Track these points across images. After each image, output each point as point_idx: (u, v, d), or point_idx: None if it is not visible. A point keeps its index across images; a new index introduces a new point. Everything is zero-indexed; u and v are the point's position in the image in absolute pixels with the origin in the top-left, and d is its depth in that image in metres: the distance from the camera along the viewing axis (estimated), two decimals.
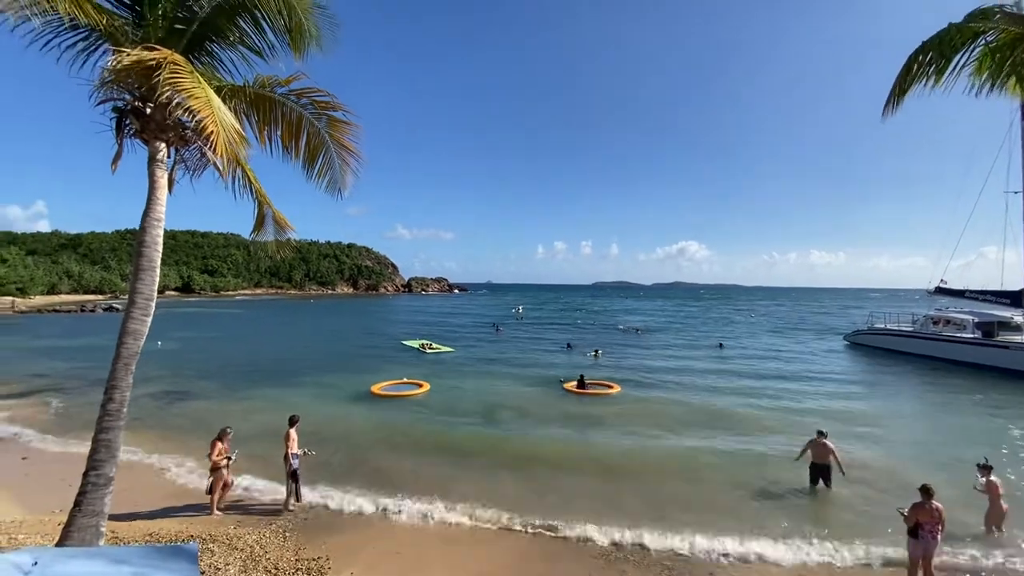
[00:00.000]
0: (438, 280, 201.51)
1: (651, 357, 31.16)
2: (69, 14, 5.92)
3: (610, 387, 21.28)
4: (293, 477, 9.69)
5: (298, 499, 9.77)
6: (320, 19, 7.41)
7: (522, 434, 14.85)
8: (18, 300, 76.32)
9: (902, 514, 7.42)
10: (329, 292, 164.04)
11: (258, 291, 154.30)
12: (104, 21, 6.34)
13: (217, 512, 9.40)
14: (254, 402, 18.75)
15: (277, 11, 7.03)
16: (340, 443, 13.61)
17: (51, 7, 5.76)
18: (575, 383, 21.19)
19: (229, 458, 9.54)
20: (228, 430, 9.95)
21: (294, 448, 9.71)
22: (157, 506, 9.58)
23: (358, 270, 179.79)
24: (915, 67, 7.01)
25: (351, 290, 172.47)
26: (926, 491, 7.29)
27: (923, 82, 7.04)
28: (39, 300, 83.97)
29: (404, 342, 37.74)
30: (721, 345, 37.24)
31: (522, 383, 22.82)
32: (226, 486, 9.74)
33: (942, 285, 32.92)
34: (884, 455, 13.15)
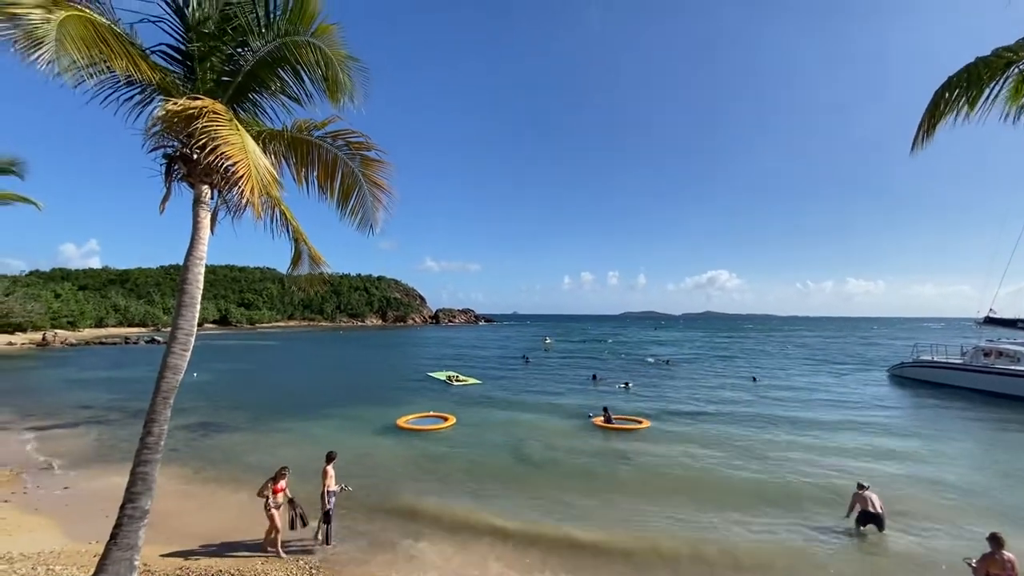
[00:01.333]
0: (465, 311, 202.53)
1: (681, 398, 28.47)
2: (126, 72, 6.43)
3: (639, 422, 20.68)
4: (326, 519, 9.49)
5: (327, 542, 9.49)
6: (353, 70, 7.86)
7: (552, 484, 13.60)
8: (68, 333, 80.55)
9: (970, 566, 6.83)
10: (359, 324, 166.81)
11: (291, 323, 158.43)
12: (158, 77, 6.88)
13: (274, 550, 9.13)
14: (283, 435, 18.96)
15: (315, 63, 7.53)
16: (366, 479, 13.51)
17: (108, 67, 6.29)
18: (601, 417, 20.84)
19: (267, 497, 9.19)
20: (285, 471, 9.60)
21: (331, 485, 9.52)
22: (189, 540, 9.63)
23: (387, 302, 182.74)
24: (942, 103, 6.91)
25: (380, 322, 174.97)
26: (996, 540, 6.70)
27: (955, 113, 6.92)
28: (87, 333, 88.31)
29: (431, 374, 37.81)
30: (754, 379, 35.74)
31: (549, 418, 22.38)
32: (274, 529, 9.19)
33: (991, 315, 31.15)
34: (947, 501, 12.26)
